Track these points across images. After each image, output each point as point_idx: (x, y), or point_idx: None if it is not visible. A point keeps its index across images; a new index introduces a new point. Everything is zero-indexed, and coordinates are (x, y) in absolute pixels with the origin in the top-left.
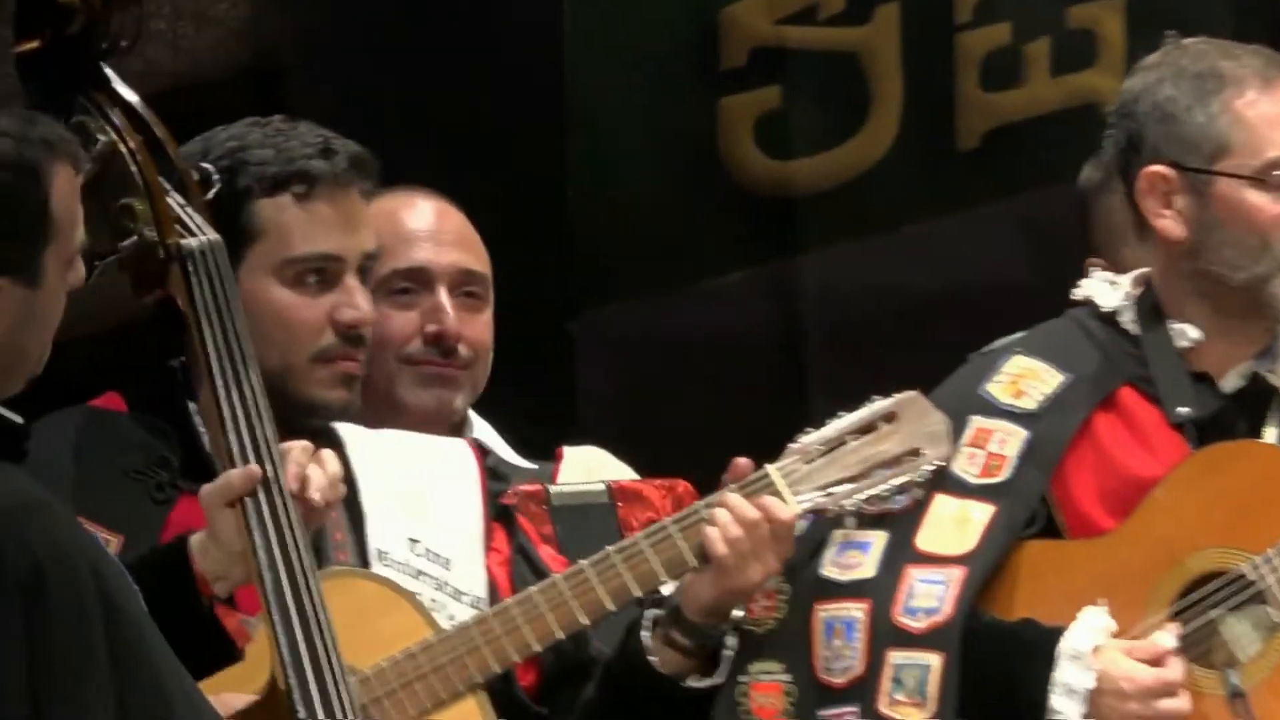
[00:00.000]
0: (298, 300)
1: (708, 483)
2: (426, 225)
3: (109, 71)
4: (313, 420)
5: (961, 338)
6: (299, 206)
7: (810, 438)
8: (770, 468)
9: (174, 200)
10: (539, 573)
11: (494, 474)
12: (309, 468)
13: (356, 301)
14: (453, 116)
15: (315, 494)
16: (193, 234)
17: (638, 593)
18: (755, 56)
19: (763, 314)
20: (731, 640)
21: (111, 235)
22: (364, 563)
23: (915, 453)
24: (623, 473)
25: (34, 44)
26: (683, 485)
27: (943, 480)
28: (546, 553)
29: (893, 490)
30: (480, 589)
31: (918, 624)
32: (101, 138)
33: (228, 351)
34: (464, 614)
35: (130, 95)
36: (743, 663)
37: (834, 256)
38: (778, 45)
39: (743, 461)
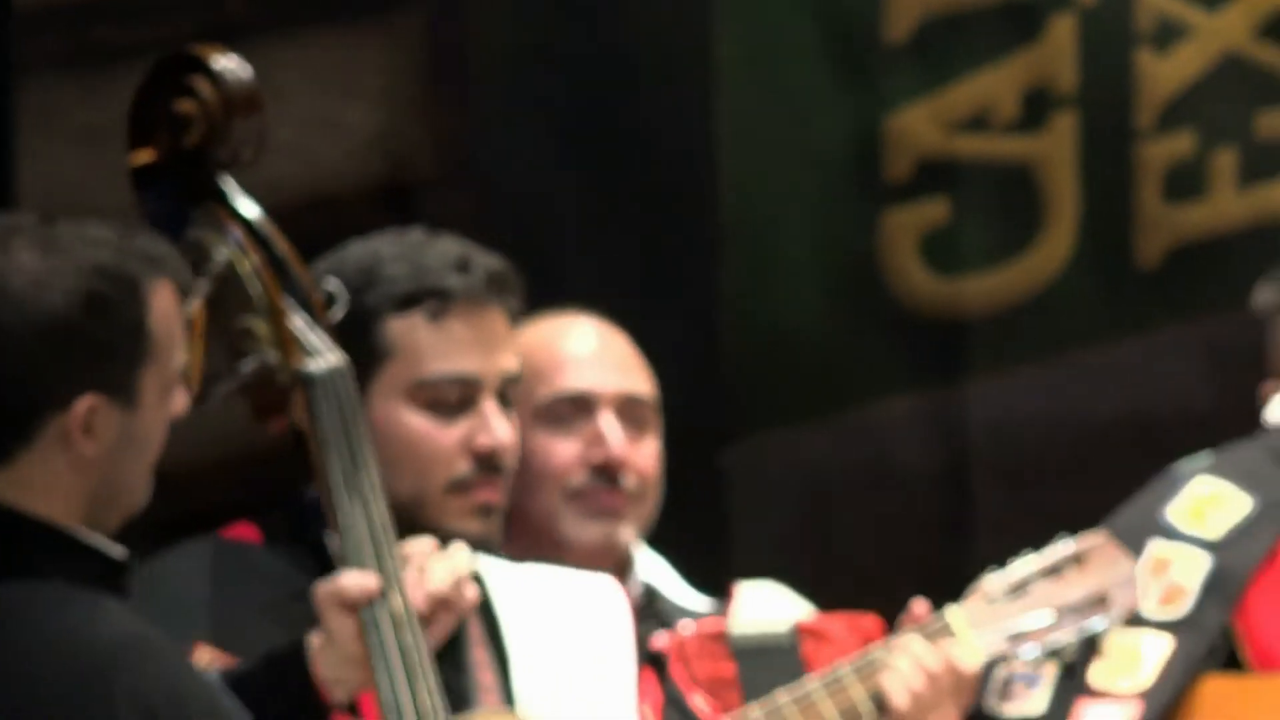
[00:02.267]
0: (431, 426)
1: None
2: (589, 349)
3: (229, 185)
4: None
5: (1139, 469)
6: (431, 325)
7: (994, 579)
8: (951, 611)
9: (297, 321)
10: None
11: (652, 615)
12: (429, 560)
13: (493, 426)
14: (602, 231)
15: (436, 586)
16: (317, 357)
17: None
18: (922, 167)
19: (927, 444)
20: None
21: (231, 358)
22: (510, 706)
23: (1102, 600)
24: (800, 608)
25: (150, 155)
26: (870, 619)
27: None
28: (697, 702)
29: (1078, 639)
30: None
31: None
32: (219, 255)
33: (353, 480)
34: None
35: (252, 210)
36: None
37: (1004, 383)
38: (946, 155)
39: (922, 605)
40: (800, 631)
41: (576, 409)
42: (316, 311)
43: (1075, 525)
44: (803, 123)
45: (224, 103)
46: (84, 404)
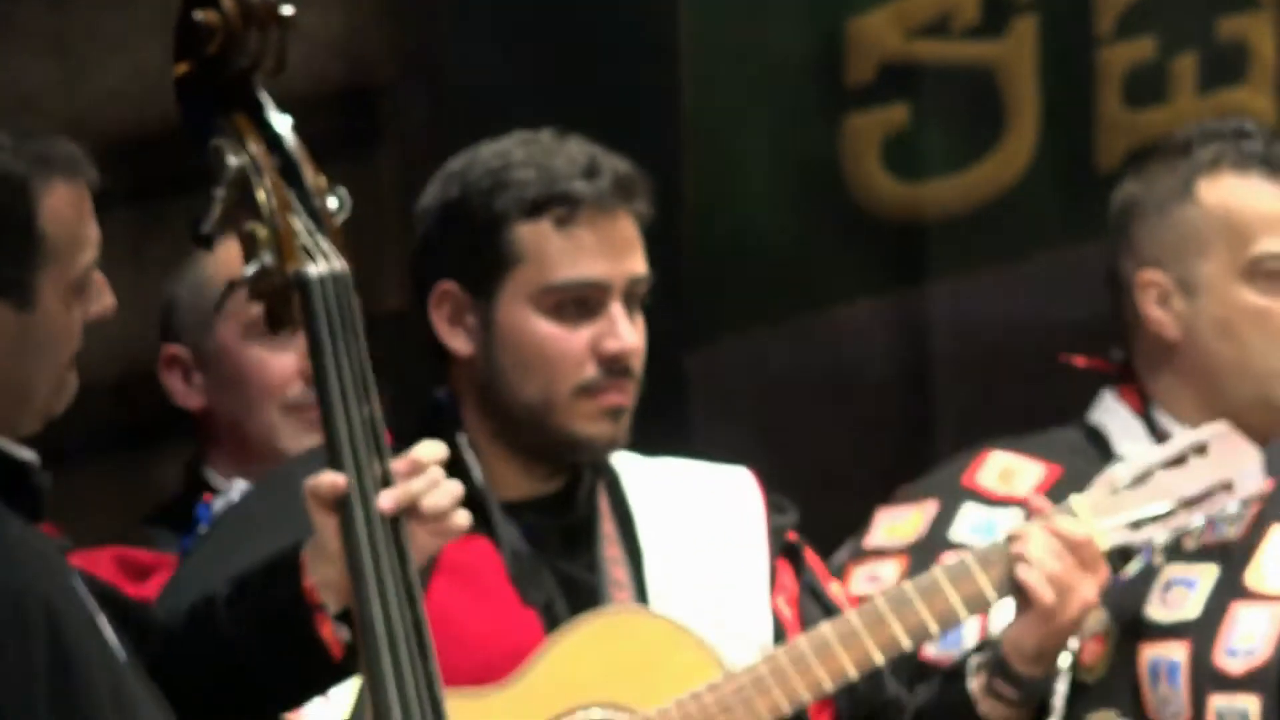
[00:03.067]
0: (558, 331)
1: (834, 522)
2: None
3: (248, 93)
4: (577, 456)
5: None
6: (559, 231)
7: (1117, 470)
8: (1075, 499)
9: (301, 226)
10: (829, 612)
11: (777, 508)
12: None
13: (619, 331)
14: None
15: (413, 489)
16: (316, 261)
17: (935, 631)
18: (883, 72)
19: (890, 347)
20: (1060, 687)
21: (244, 261)
22: (643, 602)
23: (1227, 486)
24: None
25: (185, 67)
26: None
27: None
28: (836, 591)
29: (1201, 526)
30: (765, 630)
31: (1237, 665)
32: (234, 161)
33: (340, 387)
34: (746, 655)
35: (274, 116)
36: (1079, 715)
37: (965, 285)
38: (907, 60)
39: (1040, 500)
40: None
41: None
42: (325, 219)
43: (1036, 426)
44: (763, 27)
45: (242, 12)
46: None
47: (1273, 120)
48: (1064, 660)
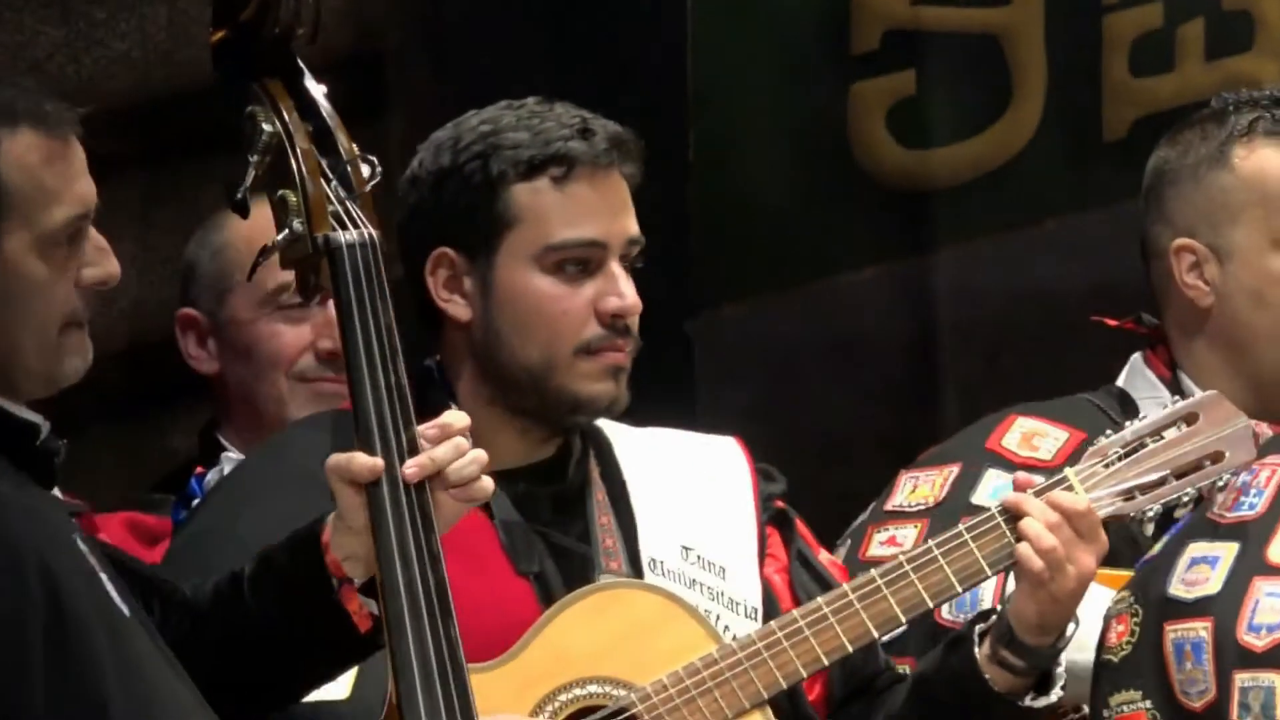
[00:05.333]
0: (559, 290)
1: (837, 489)
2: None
3: (285, 59)
4: (577, 416)
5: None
6: (557, 190)
7: (1108, 440)
8: (1069, 471)
9: (332, 193)
10: (821, 580)
11: (766, 476)
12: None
13: (621, 289)
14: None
15: (440, 456)
16: (346, 228)
17: (930, 604)
18: (889, 39)
19: (894, 313)
20: (1064, 657)
21: (276, 228)
22: (636, 572)
23: (1217, 456)
24: None
25: (221, 33)
26: None
27: None
28: (826, 558)
29: (1193, 496)
30: (755, 598)
31: (1260, 641)
32: (267, 127)
33: (368, 350)
34: (740, 625)
35: (310, 84)
36: (1103, 695)
37: (971, 253)
38: (913, 27)
39: (1022, 476)
40: None
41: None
42: (356, 185)
43: (1041, 393)
44: None
45: None
46: None
47: None
48: (1071, 629)
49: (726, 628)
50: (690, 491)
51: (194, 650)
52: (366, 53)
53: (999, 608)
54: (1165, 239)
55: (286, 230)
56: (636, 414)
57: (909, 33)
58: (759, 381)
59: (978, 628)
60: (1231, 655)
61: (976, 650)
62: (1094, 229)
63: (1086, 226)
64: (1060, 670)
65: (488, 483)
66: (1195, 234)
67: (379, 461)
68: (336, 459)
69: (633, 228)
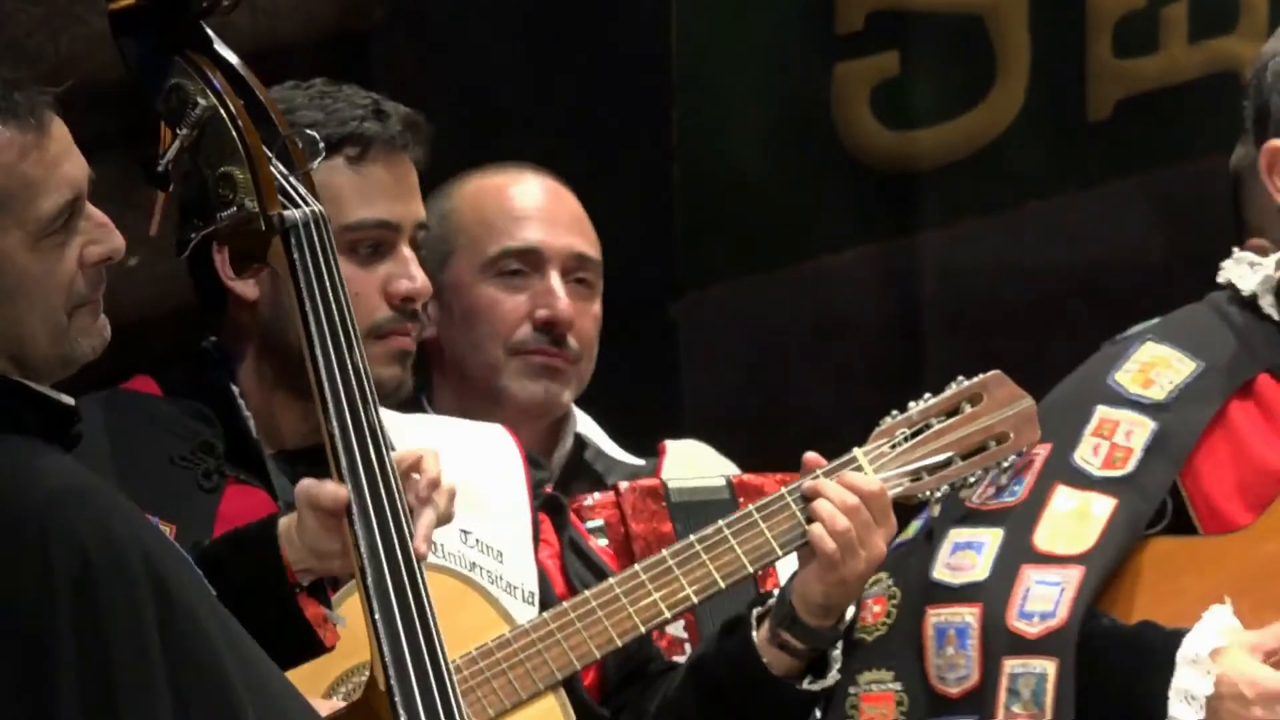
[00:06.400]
0: (349, 271)
1: None
2: (538, 205)
3: (209, 31)
4: None
5: (1089, 320)
6: (351, 170)
7: (895, 420)
8: (856, 451)
9: (276, 169)
10: (592, 566)
11: (535, 464)
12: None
13: (412, 272)
14: (552, 82)
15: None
16: (296, 204)
17: (721, 585)
18: (873, 20)
19: (879, 295)
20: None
21: (212, 206)
22: None
23: (1003, 437)
24: (727, 467)
25: (126, 1)
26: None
27: (1064, 471)
28: (597, 546)
29: (980, 476)
30: (532, 582)
31: (1032, 629)
32: (201, 101)
33: (330, 328)
34: (518, 608)
35: (232, 57)
36: (852, 673)
37: (955, 234)
38: (897, 7)
39: (811, 456)
40: (735, 486)
41: (525, 264)
42: (295, 160)
43: (1025, 374)
44: None
45: None
46: None
47: None
48: (850, 612)
49: (509, 612)
50: (465, 476)
51: None
52: (352, 32)
53: (776, 590)
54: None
55: (235, 208)
56: (621, 397)
57: (893, 13)
58: (744, 362)
59: (755, 610)
60: (1001, 642)
61: (754, 633)
62: (1078, 209)
63: (1071, 206)
64: (836, 654)
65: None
66: None
67: (343, 495)
68: (304, 487)
69: (421, 211)
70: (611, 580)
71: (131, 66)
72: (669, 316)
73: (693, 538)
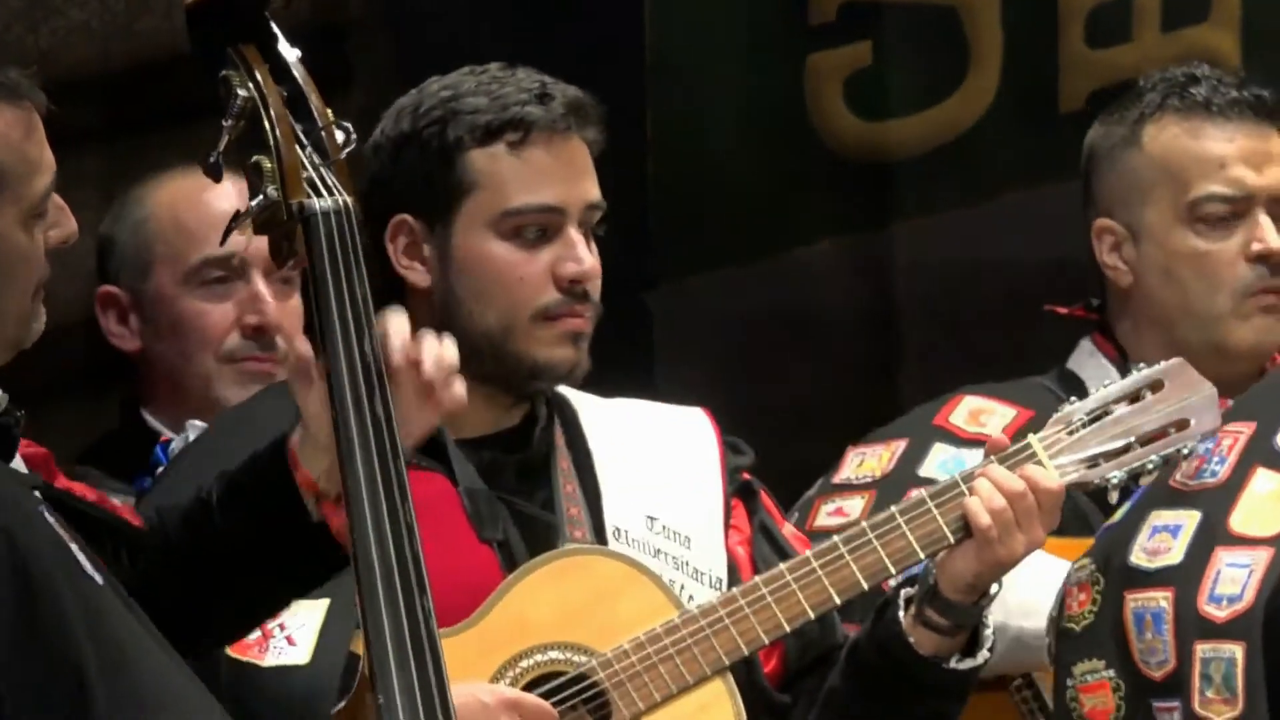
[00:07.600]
0: (516, 255)
1: (798, 461)
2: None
3: (257, 24)
4: (538, 383)
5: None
6: (513, 156)
7: (1073, 407)
8: (1032, 437)
9: (307, 159)
10: (782, 552)
11: (733, 448)
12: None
13: (579, 254)
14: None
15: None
16: (321, 195)
17: (893, 570)
18: (846, 10)
19: (853, 286)
20: (996, 620)
21: (249, 194)
22: (601, 540)
23: (1183, 424)
24: None
25: None
26: None
27: (1264, 452)
28: (790, 531)
29: (1159, 463)
30: (720, 569)
31: (1221, 612)
32: (242, 93)
33: (342, 318)
34: (705, 594)
35: (284, 49)
36: (1067, 665)
37: (928, 225)
38: None
39: (999, 438)
40: None
41: (227, 271)
42: (331, 151)
43: (1000, 366)
44: None
45: None
46: None
47: (1236, 59)
48: (994, 589)
49: (691, 597)
50: (656, 461)
51: (164, 579)
52: (328, 24)
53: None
54: (1090, 220)
55: (260, 196)
56: (596, 386)
57: (866, 4)
58: (719, 354)
59: (904, 591)
60: (1192, 626)
61: (901, 614)
62: (1052, 201)
63: (1044, 198)
64: (988, 632)
65: (460, 387)
66: (1113, 214)
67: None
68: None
69: (593, 193)
70: (782, 566)
71: (195, 62)
72: (644, 307)
73: (864, 523)
